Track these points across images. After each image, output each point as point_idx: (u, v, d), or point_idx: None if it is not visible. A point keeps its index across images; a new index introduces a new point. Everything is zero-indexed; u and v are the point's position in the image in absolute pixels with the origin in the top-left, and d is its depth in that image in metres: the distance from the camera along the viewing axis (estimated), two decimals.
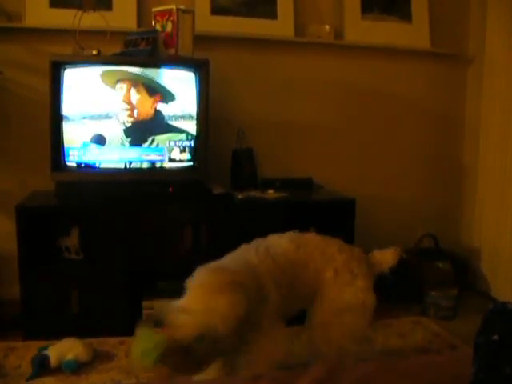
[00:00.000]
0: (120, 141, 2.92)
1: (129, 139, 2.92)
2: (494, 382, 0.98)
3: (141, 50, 2.90)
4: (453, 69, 3.79)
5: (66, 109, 2.84)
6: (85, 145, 2.88)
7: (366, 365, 1.34)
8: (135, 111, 2.90)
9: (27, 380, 2.43)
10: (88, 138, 2.88)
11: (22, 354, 2.69)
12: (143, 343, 1.60)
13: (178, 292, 1.81)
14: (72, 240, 3.00)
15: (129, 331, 2.85)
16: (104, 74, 2.86)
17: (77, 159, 2.88)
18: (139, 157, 2.95)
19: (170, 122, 2.95)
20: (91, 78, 2.85)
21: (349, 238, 3.10)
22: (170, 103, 2.94)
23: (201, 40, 3.09)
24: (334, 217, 3.22)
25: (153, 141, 2.95)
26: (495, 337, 1.01)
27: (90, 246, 3.00)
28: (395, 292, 3.46)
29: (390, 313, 3.26)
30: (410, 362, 1.46)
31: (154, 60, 2.94)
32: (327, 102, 3.58)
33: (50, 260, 2.98)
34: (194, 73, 2.94)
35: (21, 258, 2.80)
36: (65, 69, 2.80)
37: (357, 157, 3.67)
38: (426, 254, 3.56)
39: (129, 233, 2.89)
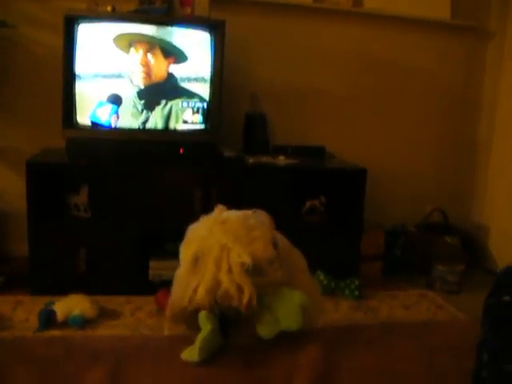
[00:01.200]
0: (133, 103, 2.90)
1: (142, 101, 2.90)
2: (503, 341, 0.97)
3: (156, 8, 2.86)
4: (473, 43, 3.73)
5: (79, 66, 2.81)
6: (100, 104, 2.86)
7: (372, 327, 1.34)
8: (151, 74, 2.88)
9: (34, 333, 2.45)
10: (103, 97, 2.86)
11: (29, 308, 2.71)
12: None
13: None
14: (81, 198, 3.00)
15: (135, 290, 2.92)
16: (117, 38, 2.83)
17: (89, 118, 2.87)
18: (152, 118, 2.93)
19: (183, 85, 2.93)
20: (105, 35, 2.82)
21: (359, 208, 3.10)
22: (184, 64, 2.91)
23: (217, 0, 3.05)
24: (344, 186, 3.21)
25: (166, 104, 2.93)
26: (506, 297, 1.00)
27: (99, 204, 3.00)
28: (402, 265, 3.47)
29: (396, 285, 3.28)
30: (416, 325, 1.46)
31: (170, 19, 2.90)
32: (343, 70, 3.53)
33: (59, 217, 2.99)
34: (210, 34, 2.90)
35: (30, 214, 2.80)
36: (79, 24, 2.77)
37: (370, 128, 3.63)
38: (435, 229, 3.54)
39: (138, 193, 2.89)
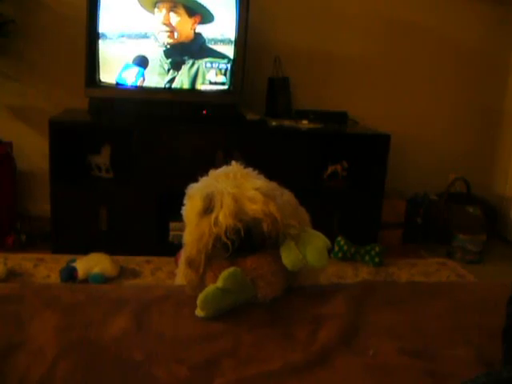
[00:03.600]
0: (159, 62, 2.87)
1: (169, 60, 2.88)
2: None
3: None
4: (501, 8, 3.62)
5: (103, 26, 2.79)
6: (127, 66, 2.85)
7: (398, 285, 1.33)
8: (175, 33, 2.86)
9: None
10: (129, 57, 2.85)
11: (50, 265, 2.75)
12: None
13: None
14: (103, 158, 3.01)
15: (155, 251, 2.93)
16: None
17: (116, 80, 2.86)
18: (178, 78, 2.91)
19: (209, 46, 2.90)
20: None
21: (381, 174, 3.07)
22: (210, 24, 2.87)
23: None
24: (367, 152, 3.18)
25: (193, 63, 2.90)
26: None
27: (120, 164, 3.02)
28: (422, 234, 3.45)
29: (415, 253, 3.26)
30: (442, 285, 1.45)
31: None
32: (369, 34, 3.46)
33: (81, 177, 3.01)
34: None
35: (52, 173, 2.82)
36: None
37: (394, 94, 3.57)
38: (457, 198, 3.50)
39: (160, 154, 2.89)
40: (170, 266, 2.79)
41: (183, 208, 1.36)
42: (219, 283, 1.12)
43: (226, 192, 1.24)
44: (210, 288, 1.12)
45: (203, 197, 1.27)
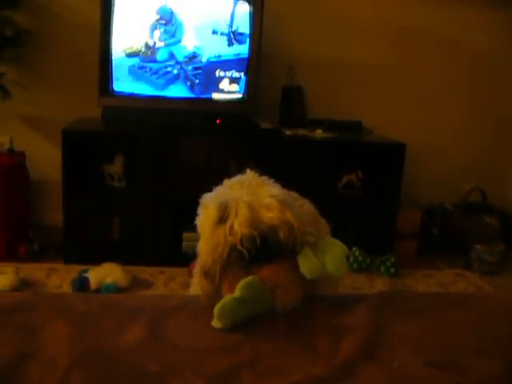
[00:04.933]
0: None
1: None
2: None
3: None
4: None
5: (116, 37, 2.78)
6: None
7: (418, 294, 1.28)
8: None
9: None
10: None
11: (63, 275, 2.73)
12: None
13: None
14: (116, 167, 2.99)
15: (168, 261, 2.90)
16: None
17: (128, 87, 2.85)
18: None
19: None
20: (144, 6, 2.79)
21: (396, 184, 3.03)
22: None
23: None
24: (382, 161, 3.14)
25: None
26: None
27: (133, 174, 2.99)
28: (438, 244, 3.39)
29: (432, 264, 3.21)
30: (462, 294, 1.40)
31: None
32: (382, 42, 3.43)
33: (93, 186, 2.99)
34: (249, 4, 2.84)
35: (65, 183, 2.81)
36: None
37: (409, 102, 3.53)
38: (474, 208, 3.45)
39: (174, 163, 2.87)
40: (183, 276, 2.76)
41: (197, 218, 1.32)
42: (236, 293, 1.08)
43: (241, 200, 1.20)
44: (227, 298, 1.08)
45: (218, 206, 1.22)
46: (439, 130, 3.60)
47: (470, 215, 3.37)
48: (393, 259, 2.97)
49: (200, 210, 1.31)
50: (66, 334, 0.97)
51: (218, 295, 1.16)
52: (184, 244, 2.93)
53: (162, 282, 2.75)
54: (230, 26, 2.84)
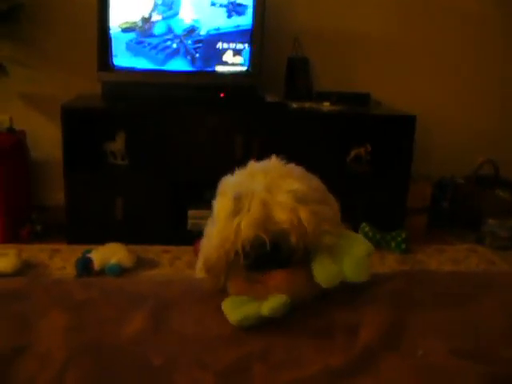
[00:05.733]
0: None
1: None
2: None
3: None
4: None
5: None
6: None
7: (442, 274, 1.20)
8: None
9: None
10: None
11: (66, 256, 2.68)
12: None
13: None
14: (118, 145, 2.92)
15: (173, 240, 2.84)
16: None
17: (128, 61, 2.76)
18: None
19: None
20: None
21: (406, 157, 2.95)
22: None
23: None
24: (391, 134, 3.05)
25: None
26: None
27: (136, 151, 2.92)
28: (449, 219, 3.32)
29: (443, 239, 3.14)
30: (487, 274, 1.33)
31: None
32: (390, 12, 3.30)
33: (95, 165, 2.92)
34: None
35: (66, 161, 2.75)
36: None
37: (418, 73, 3.41)
38: (486, 181, 3.36)
39: (177, 139, 2.79)
40: (189, 255, 2.71)
41: (214, 202, 1.21)
42: (265, 311, 0.95)
43: (256, 195, 1.09)
44: (253, 310, 0.96)
45: (234, 197, 1.11)
46: (450, 101, 3.49)
47: (481, 189, 3.29)
48: (404, 235, 2.89)
49: (217, 195, 1.20)
50: (62, 325, 0.90)
51: (222, 292, 1.07)
52: (189, 222, 2.87)
53: (168, 261, 2.70)
54: None
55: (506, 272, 1.58)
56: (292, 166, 1.22)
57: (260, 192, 1.09)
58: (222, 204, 1.14)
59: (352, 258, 1.04)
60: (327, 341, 0.87)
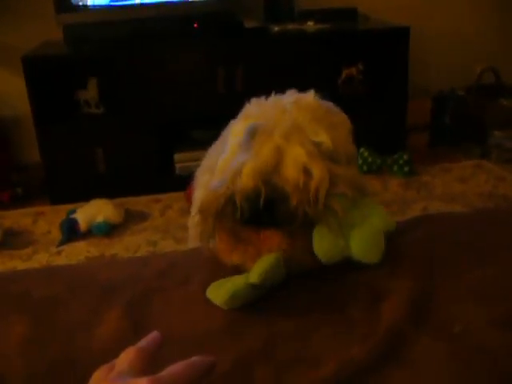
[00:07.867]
0: None
1: None
2: None
3: None
4: None
5: None
6: None
7: (463, 217, 1.03)
8: None
9: (58, 246, 2.30)
10: None
11: (50, 218, 2.53)
12: None
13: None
14: (90, 92, 2.71)
15: (162, 188, 2.68)
16: None
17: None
18: None
19: None
20: None
21: (401, 73, 2.76)
22: None
23: None
24: (384, 50, 2.84)
25: None
26: None
27: (110, 97, 2.72)
28: (452, 134, 3.14)
29: (447, 157, 2.98)
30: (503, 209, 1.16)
31: None
32: None
33: (69, 117, 2.72)
34: None
35: (36, 116, 2.57)
36: None
37: None
38: (488, 91, 3.16)
39: (153, 79, 2.60)
40: (181, 202, 2.56)
41: (232, 122, 0.98)
42: (254, 278, 0.76)
43: (271, 139, 0.86)
44: (240, 283, 0.76)
45: (247, 130, 0.88)
46: (442, 9, 3.23)
47: (484, 99, 3.10)
48: (406, 157, 2.73)
49: (240, 116, 0.97)
50: (20, 335, 0.73)
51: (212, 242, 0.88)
52: (177, 166, 2.70)
53: (158, 211, 2.55)
54: None
55: None
56: (330, 106, 0.98)
57: (278, 136, 0.86)
58: (239, 127, 0.91)
59: (363, 232, 0.81)
60: (342, 326, 0.69)
